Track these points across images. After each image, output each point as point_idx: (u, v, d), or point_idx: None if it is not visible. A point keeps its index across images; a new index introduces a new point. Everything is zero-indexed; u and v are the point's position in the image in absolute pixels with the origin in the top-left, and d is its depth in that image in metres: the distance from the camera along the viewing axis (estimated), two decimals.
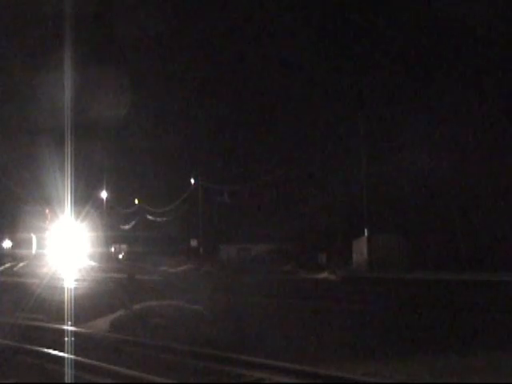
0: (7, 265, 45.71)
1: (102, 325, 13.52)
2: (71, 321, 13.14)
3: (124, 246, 57.67)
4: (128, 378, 8.06)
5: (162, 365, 9.11)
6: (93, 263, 48.72)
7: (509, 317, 13.76)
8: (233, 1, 52.96)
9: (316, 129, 43.21)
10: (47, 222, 59.45)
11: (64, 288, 21.87)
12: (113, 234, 58.90)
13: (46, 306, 16.50)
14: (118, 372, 8.33)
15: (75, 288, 22.77)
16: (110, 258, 53.13)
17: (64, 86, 27.46)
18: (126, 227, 61.52)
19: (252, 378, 8.28)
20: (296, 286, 24.93)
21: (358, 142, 35.23)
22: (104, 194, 63.84)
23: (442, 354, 9.80)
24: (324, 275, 30.31)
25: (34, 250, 57.06)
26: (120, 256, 55.20)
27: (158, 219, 57.09)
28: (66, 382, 8.41)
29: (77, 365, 8.81)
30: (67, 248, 53.95)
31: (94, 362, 8.92)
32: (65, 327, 12.46)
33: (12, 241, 58.09)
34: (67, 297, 17.33)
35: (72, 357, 9.29)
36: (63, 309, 14.38)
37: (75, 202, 42.59)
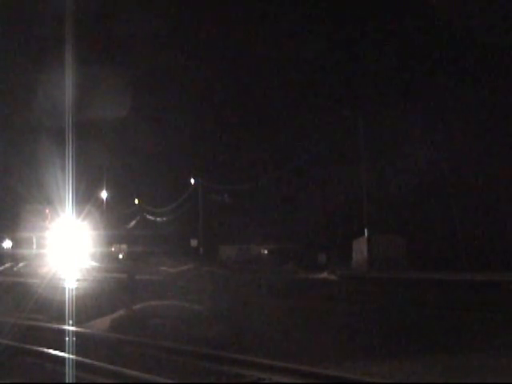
0: (7, 265, 45.71)
1: (102, 325, 13.53)
2: (72, 321, 13.15)
3: (124, 246, 57.68)
4: (128, 378, 8.06)
5: (162, 365, 9.12)
6: (93, 263, 48.72)
7: (509, 317, 13.77)
8: (233, 0, 52.99)
9: (316, 129, 43.24)
10: (47, 221, 59.48)
11: (64, 288, 21.88)
12: (113, 233, 58.91)
13: (46, 305, 16.50)
14: (118, 372, 8.34)
15: (76, 288, 22.78)
16: (110, 258, 53.13)
17: (65, 85, 27.45)
18: (129, 226, 61.52)
19: (252, 377, 8.29)
20: (296, 286, 24.94)
21: (357, 142, 35.26)
22: (104, 194, 63.85)
23: (442, 354, 9.81)
24: (324, 275, 30.32)
25: (34, 250, 57.07)
26: (120, 256, 55.22)
27: (158, 219, 57.12)
28: (67, 382, 8.42)
29: (77, 365, 8.81)
30: (68, 248, 53.95)
31: (95, 362, 8.92)
32: (65, 327, 12.47)
33: (12, 240, 58.11)
34: (68, 297, 17.34)
35: (72, 357, 9.29)
36: (64, 309, 14.38)
37: (76, 202, 42.61)
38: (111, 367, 8.56)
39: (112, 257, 54.47)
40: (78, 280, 28.86)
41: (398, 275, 27.71)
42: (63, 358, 9.25)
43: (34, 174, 51.61)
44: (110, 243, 57.81)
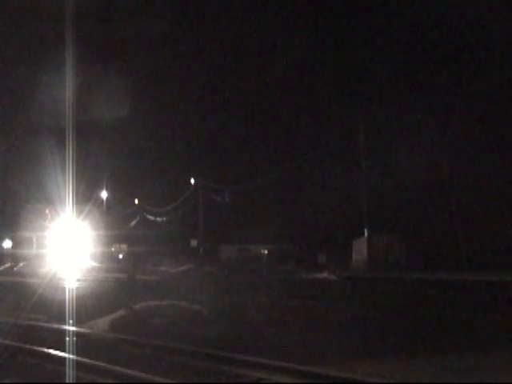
0: (7, 265, 45.72)
1: (102, 325, 13.54)
2: (72, 321, 13.15)
3: (124, 246, 57.62)
4: (128, 377, 8.07)
5: (162, 365, 9.12)
6: (93, 263, 48.77)
7: (509, 317, 13.76)
8: (233, 1, 52.96)
9: (316, 128, 43.25)
10: (47, 221, 59.45)
11: (64, 288, 21.89)
12: (113, 233, 58.86)
13: (46, 305, 16.51)
14: (118, 372, 8.34)
15: (76, 288, 22.78)
16: (110, 258, 53.13)
17: (65, 85, 27.45)
18: (130, 226, 61.45)
19: (252, 377, 8.29)
20: (296, 286, 24.93)
21: (357, 142, 35.25)
22: (104, 194, 63.83)
23: (442, 354, 9.81)
24: (324, 275, 30.32)
25: (34, 250, 57.06)
26: (120, 256, 55.18)
27: (158, 219, 57.08)
28: (67, 382, 8.42)
29: (77, 365, 8.82)
30: (68, 248, 53.95)
31: (95, 362, 8.93)
32: (65, 327, 12.47)
33: (12, 240, 58.06)
34: (68, 297, 17.34)
35: (72, 357, 9.30)
36: (64, 309, 14.38)
37: (76, 202, 42.57)
38: (111, 367, 8.57)
39: (112, 257, 54.44)
40: (78, 280, 28.87)
41: (397, 275, 27.70)
42: (63, 358, 9.26)
43: (34, 174, 51.57)
44: (110, 243, 57.74)
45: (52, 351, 9.88)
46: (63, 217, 51.85)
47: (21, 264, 46.64)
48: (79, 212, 52.54)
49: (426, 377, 8.47)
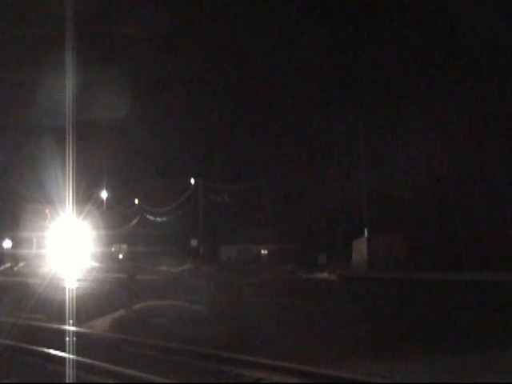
0: (7, 265, 45.73)
1: (102, 325, 13.53)
2: (72, 320, 13.15)
3: (124, 246, 57.66)
4: (128, 377, 8.06)
5: (162, 365, 9.12)
6: (93, 263, 48.78)
7: (509, 317, 13.76)
8: (234, 0, 52.94)
9: (316, 129, 43.25)
10: (47, 221, 59.49)
11: (65, 288, 21.90)
12: (113, 233, 58.90)
13: (46, 305, 16.51)
14: (118, 372, 8.34)
15: (76, 288, 22.78)
16: (110, 258, 53.16)
17: (65, 85, 27.47)
18: (130, 226, 61.48)
19: (252, 378, 8.29)
20: (296, 286, 24.94)
21: (357, 143, 35.27)
22: (104, 194, 63.86)
23: (442, 354, 9.80)
24: (324, 275, 30.33)
25: (34, 250, 57.10)
26: (120, 256, 55.21)
27: (158, 219, 57.12)
28: (67, 382, 8.42)
29: (77, 365, 8.81)
30: (68, 248, 53.97)
31: (95, 362, 8.92)
32: (65, 327, 12.47)
33: (12, 240, 58.11)
34: (68, 297, 17.34)
35: (72, 357, 9.29)
36: (64, 309, 14.38)
37: (76, 202, 42.62)
38: (111, 367, 8.56)
39: (112, 257, 54.46)
40: (78, 280, 28.88)
41: (397, 275, 27.72)
42: (63, 358, 9.25)
43: (34, 174, 51.60)
44: (110, 243, 57.78)
45: (52, 351, 9.88)
46: (63, 217, 51.93)
47: (21, 264, 46.65)
48: (79, 212, 52.60)
49: (425, 377, 8.47)
